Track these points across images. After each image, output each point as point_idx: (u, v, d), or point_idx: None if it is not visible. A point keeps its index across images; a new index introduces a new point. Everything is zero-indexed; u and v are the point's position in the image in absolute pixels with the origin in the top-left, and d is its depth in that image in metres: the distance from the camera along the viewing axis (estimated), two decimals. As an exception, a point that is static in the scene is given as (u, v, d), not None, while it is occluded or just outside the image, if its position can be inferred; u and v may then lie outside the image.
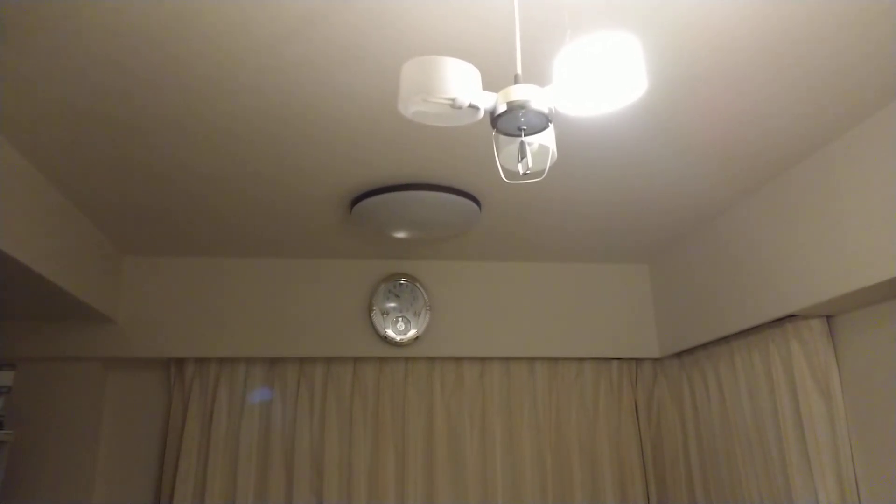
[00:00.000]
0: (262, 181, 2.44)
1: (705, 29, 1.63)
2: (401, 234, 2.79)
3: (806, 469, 2.40)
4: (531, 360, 3.43)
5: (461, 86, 1.18)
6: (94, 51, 1.66)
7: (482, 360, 3.39)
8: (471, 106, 1.21)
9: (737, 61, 1.76)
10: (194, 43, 1.64)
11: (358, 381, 3.26)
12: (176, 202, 2.60)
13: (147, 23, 1.56)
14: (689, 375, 3.21)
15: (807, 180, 2.34)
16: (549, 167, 2.03)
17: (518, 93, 1.22)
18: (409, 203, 2.53)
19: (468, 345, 3.31)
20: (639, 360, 3.52)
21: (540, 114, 1.23)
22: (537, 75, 1.77)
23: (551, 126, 1.31)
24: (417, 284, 3.33)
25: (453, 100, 1.18)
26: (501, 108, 1.23)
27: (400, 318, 3.26)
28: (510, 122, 1.26)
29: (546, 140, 1.37)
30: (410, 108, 1.22)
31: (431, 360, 3.34)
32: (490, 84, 1.79)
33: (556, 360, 3.44)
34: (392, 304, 3.28)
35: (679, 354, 3.32)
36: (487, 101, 1.24)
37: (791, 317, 2.48)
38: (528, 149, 1.33)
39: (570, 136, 2.15)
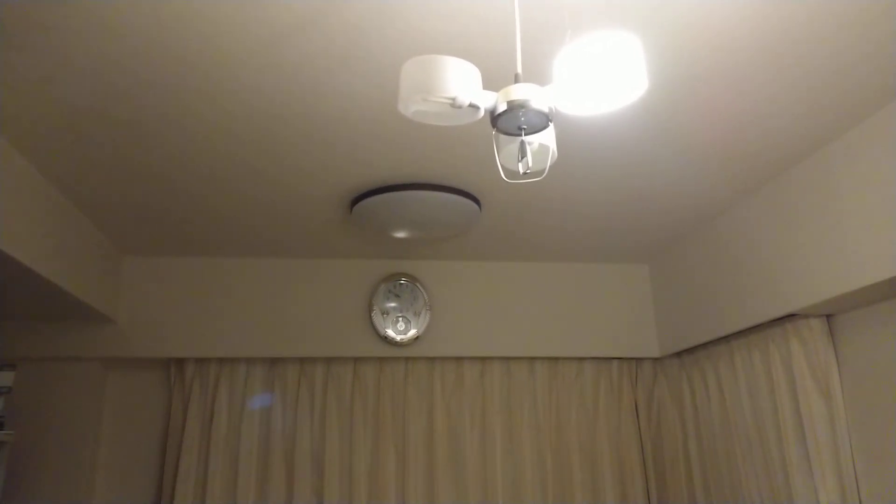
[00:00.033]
0: (263, 181, 2.44)
1: (705, 29, 1.63)
2: (401, 234, 2.79)
3: (806, 468, 2.40)
4: (531, 359, 3.43)
5: (461, 85, 1.18)
6: (94, 51, 1.66)
7: (482, 359, 3.39)
8: (471, 105, 1.21)
9: (737, 61, 1.76)
10: (194, 43, 1.64)
11: (358, 381, 3.26)
12: (176, 202, 2.60)
13: (147, 23, 1.56)
14: (689, 375, 3.21)
15: (807, 180, 2.34)
16: (550, 167, 2.03)
17: (518, 92, 1.22)
18: (409, 203, 2.53)
19: (468, 344, 3.31)
20: (639, 360, 3.52)
21: (540, 113, 1.23)
22: (537, 75, 1.77)
23: (551, 125, 1.31)
24: (417, 284, 3.33)
25: (453, 99, 1.18)
26: (502, 108, 1.23)
27: (400, 318, 3.26)
28: (510, 122, 1.26)
29: (546, 139, 1.37)
30: (411, 107, 1.22)
31: (432, 359, 3.34)
32: (490, 83, 1.79)
33: (556, 359, 3.44)
34: (392, 304, 3.28)
35: (679, 354, 3.32)
36: (487, 100, 1.24)
37: (791, 316, 2.48)
38: (528, 148, 1.33)
39: (571, 135, 2.15)
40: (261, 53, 1.69)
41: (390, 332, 3.23)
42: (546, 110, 1.23)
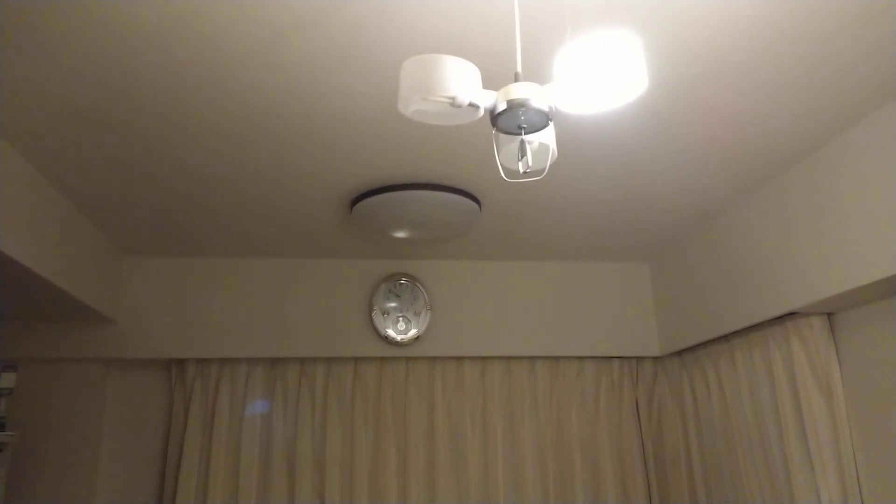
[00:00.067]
0: (263, 181, 2.44)
1: (705, 28, 1.63)
2: (401, 234, 2.79)
3: (807, 466, 2.40)
4: (532, 359, 3.43)
5: (461, 84, 1.18)
6: (94, 51, 1.66)
7: (483, 359, 3.39)
8: (471, 104, 1.21)
9: (737, 60, 1.76)
10: (194, 42, 1.64)
11: (359, 380, 3.26)
12: (176, 202, 2.60)
13: (147, 22, 1.56)
14: (689, 374, 3.21)
15: (807, 179, 2.34)
16: (550, 166, 2.03)
17: (518, 91, 1.22)
18: (409, 203, 2.52)
19: (469, 344, 3.31)
20: (639, 359, 3.51)
21: (540, 112, 1.23)
22: (537, 73, 1.77)
23: (551, 124, 1.31)
24: (418, 284, 3.33)
25: (453, 98, 1.18)
26: (501, 107, 1.23)
27: (400, 318, 3.26)
28: (510, 121, 1.26)
29: (546, 138, 1.37)
30: (410, 106, 1.22)
31: (432, 359, 3.34)
32: (490, 82, 1.79)
33: (556, 358, 3.44)
34: (392, 304, 3.28)
35: (680, 353, 3.32)
36: (487, 99, 1.24)
37: (792, 314, 2.48)
38: (528, 147, 1.32)
39: (571, 134, 2.14)
40: (261, 53, 1.69)
41: (391, 332, 3.23)
42: (546, 109, 1.23)
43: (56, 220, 2.45)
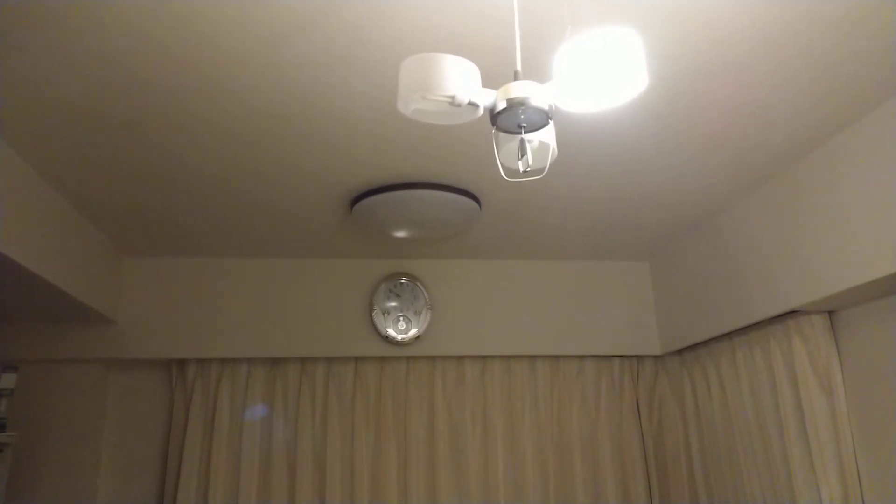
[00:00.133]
0: (263, 181, 2.44)
1: (705, 22, 1.63)
2: (401, 234, 2.78)
3: (808, 465, 2.40)
4: (532, 357, 3.43)
5: (460, 83, 1.18)
6: (94, 51, 1.65)
7: (483, 358, 3.39)
8: (470, 103, 1.20)
9: (738, 54, 1.75)
10: (194, 42, 1.64)
11: (359, 380, 3.26)
12: (176, 202, 2.60)
13: (147, 22, 1.56)
14: (690, 372, 3.21)
15: (808, 176, 2.34)
16: (550, 165, 2.03)
17: (518, 90, 1.22)
18: (409, 202, 2.52)
19: (469, 343, 3.31)
20: (640, 358, 3.51)
21: (540, 111, 1.23)
22: (537, 71, 1.77)
23: (551, 123, 1.31)
24: (418, 283, 3.32)
25: (452, 97, 1.18)
26: (501, 106, 1.23)
27: (401, 318, 3.26)
28: (510, 120, 1.25)
29: (546, 137, 1.37)
30: (410, 106, 1.22)
31: (433, 358, 3.34)
32: (489, 81, 1.79)
33: (557, 357, 3.44)
34: (393, 304, 3.28)
35: (680, 351, 3.32)
36: (487, 98, 1.23)
37: (792, 312, 2.48)
38: (528, 146, 1.32)
39: (571, 132, 2.14)
40: (260, 53, 1.69)
41: (391, 332, 3.23)
42: (546, 108, 1.23)
43: (56, 221, 2.45)
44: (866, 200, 2.07)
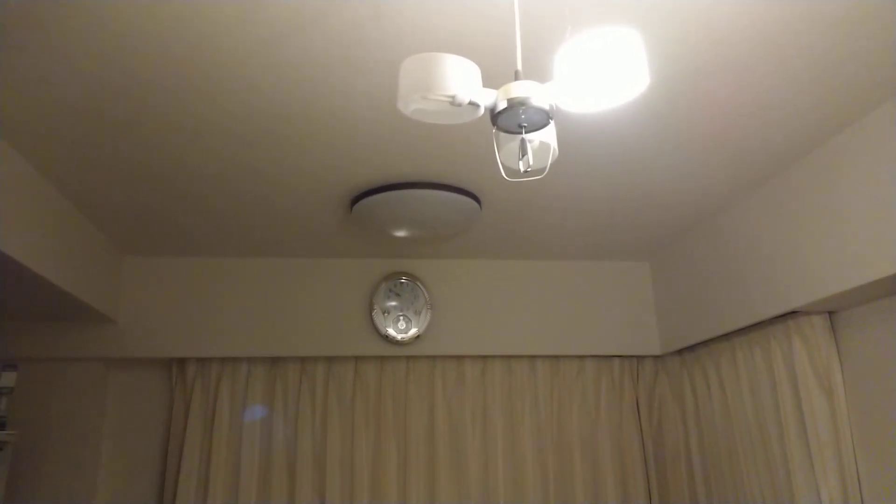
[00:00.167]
0: (263, 180, 2.44)
1: (706, 22, 1.63)
2: (401, 233, 2.78)
3: (808, 465, 2.40)
4: (532, 357, 3.43)
5: (461, 83, 1.18)
6: (94, 50, 1.65)
7: (483, 358, 3.39)
8: (471, 103, 1.20)
9: (738, 53, 1.75)
10: (194, 42, 1.64)
11: (359, 379, 3.26)
12: (176, 202, 2.60)
13: (147, 22, 1.56)
14: (690, 372, 3.21)
15: (808, 176, 2.34)
16: (550, 164, 2.03)
17: (518, 89, 1.22)
18: (409, 201, 2.52)
19: (469, 343, 3.31)
20: (640, 358, 3.51)
21: (541, 110, 1.23)
22: (538, 71, 1.77)
23: (552, 123, 1.31)
24: (418, 283, 3.32)
25: (453, 97, 1.18)
26: (502, 105, 1.23)
27: (401, 317, 3.26)
28: (511, 120, 1.25)
29: (547, 137, 1.36)
30: (410, 105, 1.22)
31: (433, 358, 3.34)
32: (490, 81, 1.79)
33: (557, 357, 3.43)
34: (393, 303, 3.28)
35: (680, 351, 3.32)
36: (487, 98, 1.23)
37: (793, 313, 2.48)
38: (528, 146, 1.32)
39: (571, 132, 2.14)
40: (260, 53, 1.69)
41: (391, 331, 3.23)
42: (546, 108, 1.23)
43: (56, 220, 2.45)
44: (866, 201, 2.07)
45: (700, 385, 3.10)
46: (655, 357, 3.51)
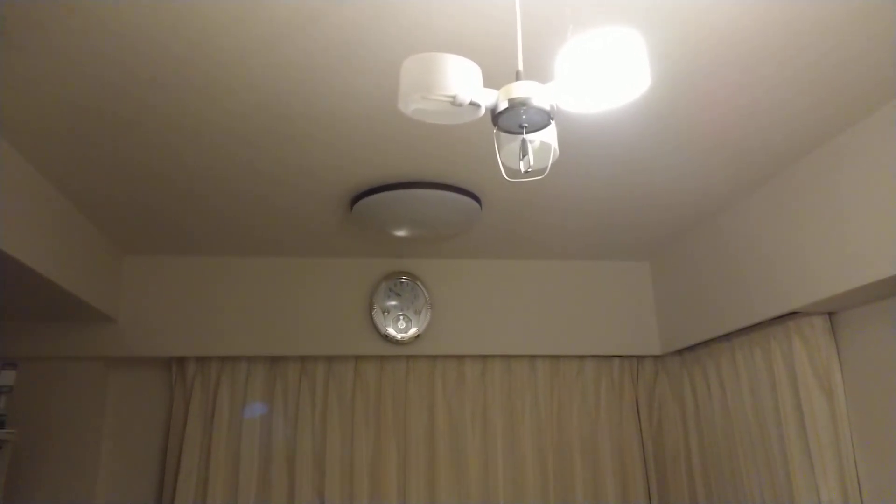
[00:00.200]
0: (263, 180, 2.44)
1: (706, 22, 1.63)
2: (401, 233, 2.78)
3: (807, 466, 2.40)
4: (532, 357, 3.43)
5: (462, 83, 1.18)
6: (95, 50, 1.65)
7: (483, 357, 3.39)
8: (471, 103, 1.20)
9: (738, 53, 1.75)
10: (194, 41, 1.64)
11: (359, 379, 3.26)
12: (176, 202, 2.60)
13: (147, 22, 1.56)
14: (690, 373, 3.21)
15: (809, 177, 2.34)
16: (551, 165, 2.03)
17: (519, 90, 1.22)
18: (409, 201, 2.52)
19: (469, 343, 3.31)
20: (640, 358, 3.51)
21: (541, 111, 1.23)
22: (539, 71, 1.77)
23: (553, 123, 1.31)
24: (418, 282, 3.32)
25: (454, 97, 1.18)
26: (503, 106, 1.23)
27: (401, 317, 3.26)
28: (511, 120, 1.25)
29: (548, 137, 1.36)
30: (411, 105, 1.22)
31: (433, 358, 3.34)
32: (491, 81, 1.79)
33: (557, 357, 3.44)
34: (393, 303, 3.28)
35: (680, 352, 3.32)
36: (488, 98, 1.23)
37: (793, 314, 2.48)
38: (529, 146, 1.32)
39: (571, 132, 2.14)
40: (261, 52, 1.69)
41: (391, 331, 3.23)
42: (547, 108, 1.23)
43: (57, 219, 2.45)
44: (866, 201, 2.07)
45: (700, 385, 3.10)
46: (655, 357, 3.51)
